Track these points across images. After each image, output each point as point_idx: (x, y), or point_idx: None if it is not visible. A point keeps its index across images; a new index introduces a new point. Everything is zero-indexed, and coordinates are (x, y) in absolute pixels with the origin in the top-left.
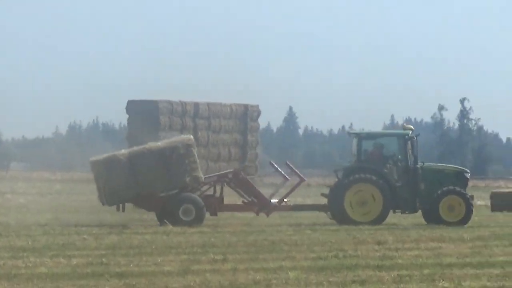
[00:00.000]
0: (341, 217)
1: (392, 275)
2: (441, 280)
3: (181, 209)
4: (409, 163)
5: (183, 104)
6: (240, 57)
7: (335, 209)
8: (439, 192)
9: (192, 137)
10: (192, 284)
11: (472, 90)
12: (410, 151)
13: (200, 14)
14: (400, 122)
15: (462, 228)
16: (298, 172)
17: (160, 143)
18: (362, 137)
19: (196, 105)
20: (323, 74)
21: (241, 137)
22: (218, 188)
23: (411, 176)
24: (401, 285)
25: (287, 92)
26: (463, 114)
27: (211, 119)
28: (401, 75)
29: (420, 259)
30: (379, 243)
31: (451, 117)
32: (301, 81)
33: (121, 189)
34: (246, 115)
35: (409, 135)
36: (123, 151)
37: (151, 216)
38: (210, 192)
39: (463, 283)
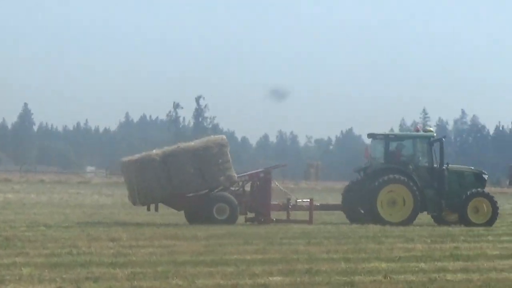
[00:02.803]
0: (372, 217)
1: (126, 273)
2: (175, 278)
3: (215, 208)
4: (435, 165)
5: None
6: None
7: (367, 209)
8: (466, 194)
9: (225, 136)
10: None
11: (208, 88)
12: (436, 152)
13: None
14: (136, 119)
15: (196, 227)
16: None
17: (193, 143)
18: (389, 138)
19: None
20: (55, 69)
21: None
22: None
23: (436, 178)
24: (135, 283)
25: (22, 88)
26: (199, 112)
27: None
28: (133, 73)
29: (154, 257)
30: (113, 240)
31: (186, 115)
32: (36, 77)
33: (155, 189)
34: None
35: (434, 137)
36: (155, 151)
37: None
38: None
39: (196, 281)
